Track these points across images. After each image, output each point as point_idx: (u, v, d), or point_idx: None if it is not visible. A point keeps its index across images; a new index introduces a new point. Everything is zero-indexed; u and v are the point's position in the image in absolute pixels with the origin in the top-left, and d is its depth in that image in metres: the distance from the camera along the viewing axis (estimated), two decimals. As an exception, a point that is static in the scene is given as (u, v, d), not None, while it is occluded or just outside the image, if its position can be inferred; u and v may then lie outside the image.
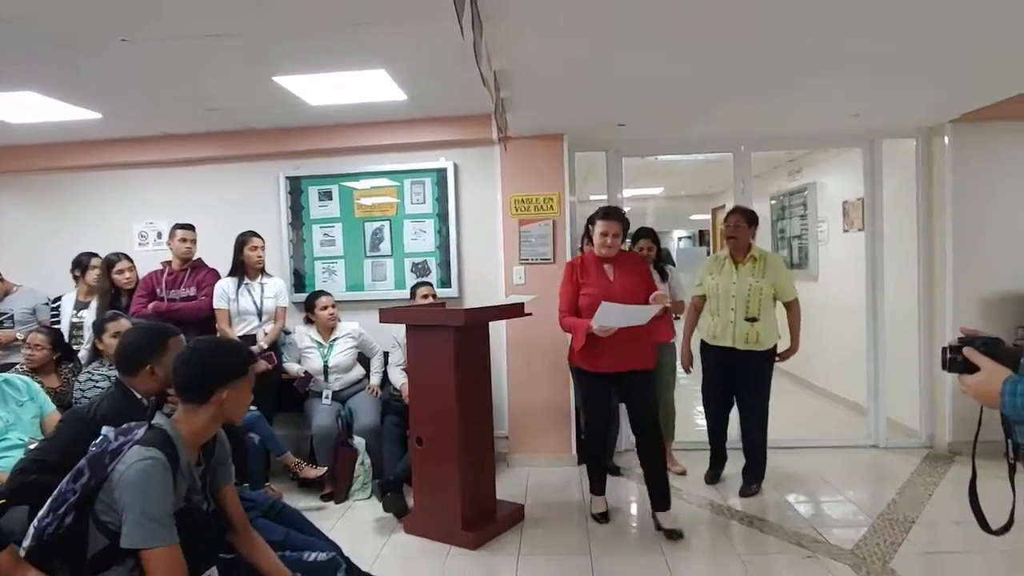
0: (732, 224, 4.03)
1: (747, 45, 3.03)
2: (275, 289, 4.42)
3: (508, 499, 3.90)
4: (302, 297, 4.67)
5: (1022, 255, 4.21)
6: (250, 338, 4.27)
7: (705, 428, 4.35)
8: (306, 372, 4.34)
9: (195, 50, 2.98)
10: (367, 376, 4.57)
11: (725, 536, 3.53)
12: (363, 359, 4.61)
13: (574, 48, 3.00)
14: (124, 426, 1.79)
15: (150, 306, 4.24)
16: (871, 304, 5.01)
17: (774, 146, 5.48)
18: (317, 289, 4.69)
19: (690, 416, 5.31)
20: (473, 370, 3.62)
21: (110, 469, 1.66)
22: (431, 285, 4.53)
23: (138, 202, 5.05)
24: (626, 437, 5.01)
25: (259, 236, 4.41)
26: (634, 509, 4.01)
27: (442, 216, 4.81)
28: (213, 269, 4.49)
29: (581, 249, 3.54)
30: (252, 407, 3.82)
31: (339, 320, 4.51)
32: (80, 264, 4.52)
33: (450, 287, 4.78)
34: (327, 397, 4.34)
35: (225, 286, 4.33)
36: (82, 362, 3.74)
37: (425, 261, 4.86)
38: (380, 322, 3.74)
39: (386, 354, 4.57)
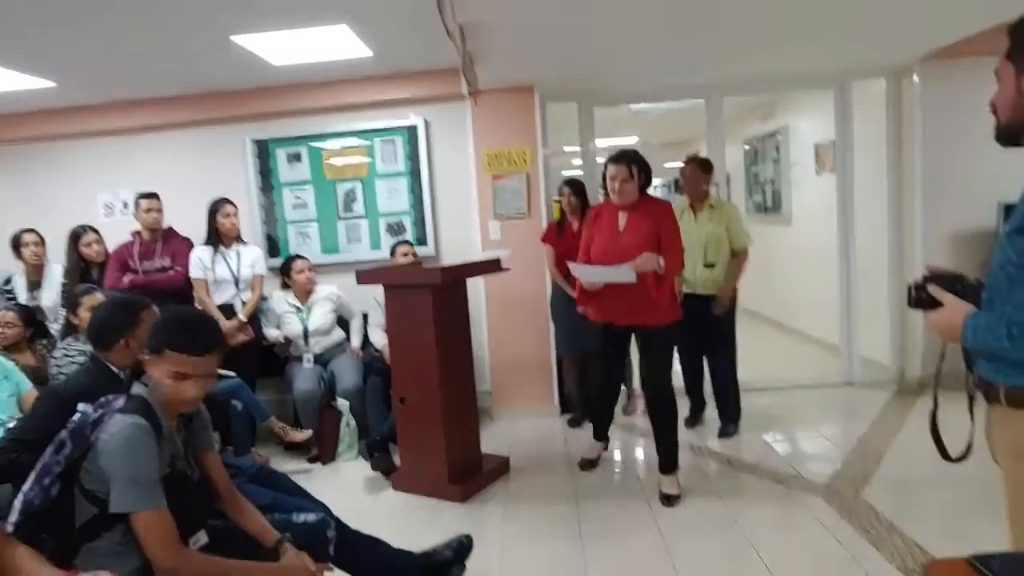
0: (688, 172, 4.13)
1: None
2: (252, 257, 4.37)
3: (493, 452, 3.97)
4: (277, 262, 4.63)
5: (988, 192, 4.26)
6: (228, 307, 4.24)
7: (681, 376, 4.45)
8: (286, 337, 4.33)
9: (148, 11, 2.88)
10: (347, 338, 4.57)
11: (704, 477, 3.64)
12: (342, 322, 4.60)
13: (540, -3, 2.93)
14: (102, 399, 1.79)
15: (126, 279, 4.18)
16: (843, 245, 5.08)
17: (746, 90, 5.45)
18: (292, 253, 4.65)
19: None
20: (453, 327, 3.64)
21: (93, 439, 1.68)
22: (410, 243, 4.52)
23: (101, 172, 4.92)
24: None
25: (231, 203, 4.33)
26: (617, 455, 4.11)
27: (415, 174, 4.75)
28: (186, 238, 4.42)
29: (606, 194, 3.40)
30: (232, 374, 3.86)
31: (316, 283, 4.49)
32: (14, 242, 4.28)
33: (426, 245, 4.76)
34: (308, 360, 4.35)
35: (201, 255, 4.27)
36: (56, 337, 3.69)
37: (400, 220, 4.82)
38: (358, 283, 3.73)
39: (365, 315, 4.57)
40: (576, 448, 4.12)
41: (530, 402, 4.68)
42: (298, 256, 4.51)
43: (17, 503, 1.67)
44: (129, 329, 2.21)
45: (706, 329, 4.11)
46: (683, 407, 4.42)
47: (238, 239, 4.38)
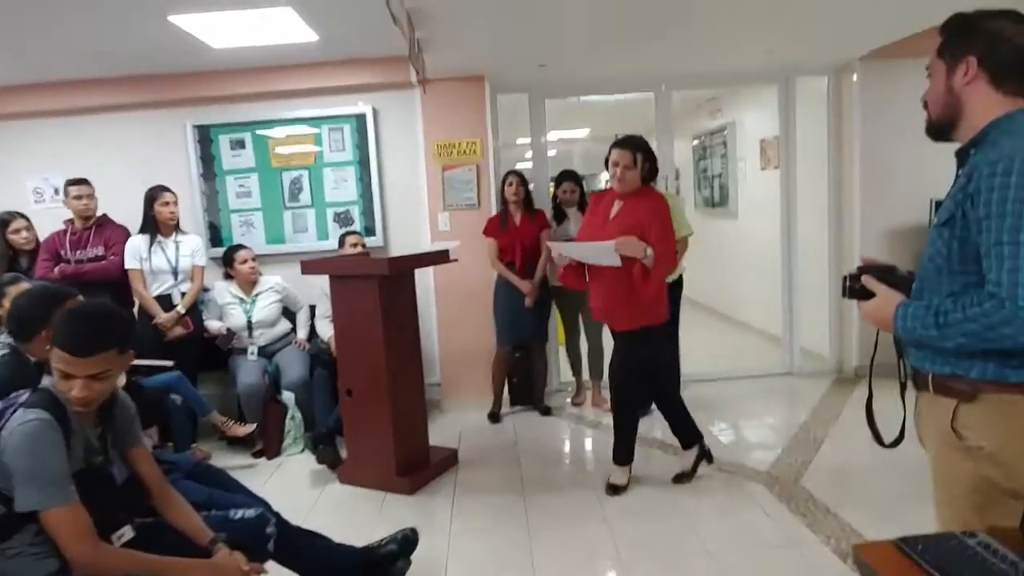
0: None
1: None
2: (191, 247, 4.22)
3: (442, 444, 3.94)
4: (219, 252, 4.49)
5: (921, 189, 4.42)
6: (166, 299, 4.10)
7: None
8: (228, 329, 4.21)
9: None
10: (293, 330, 4.47)
11: (650, 465, 3.69)
12: (288, 314, 4.50)
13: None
14: (12, 394, 1.71)
15: (56, 269, 4.00)
16: (785, 239, 5.22)
17: (694, 84, 5.55)
18: (235, 243, 4.51)
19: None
20: (400, 318, 3.59)
21: None
22: (359, 234, 4.44)
23: (30, 156, 4.67)
24: (556, 378, 5.15)
25: (170, 191, 4.17)
26: (567, 447, 4.13)
27: (363, 163, 4.67)
28: (121, 226, 4.24)
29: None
30: (169, 363, 3.73)
31: (260, 274, 4.37)
32: None
33: (375, 235, 4.68)
34: (252, 353, 4.23)
35: (136, 244, 4.10)
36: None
37: (348, 210, 4.73)
38: (302, 273, 3.65)
39: (312, 307, 4.48)
40: (526, 441, 4.13)
41: (480, 394, 4.66)
42: (240, 246, 4.39)
43: None
44: (50, 320, 2.09)
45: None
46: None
47: (177, 228, 4.22)
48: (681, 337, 4.32)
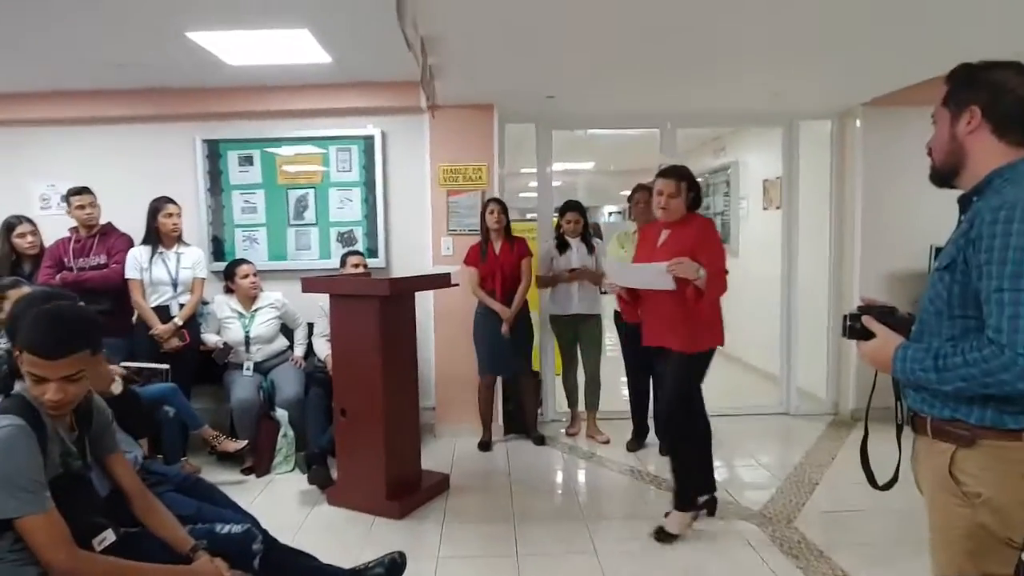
0: (642, 200, 4.17)
1: (675, 22, 3.08)
2: (192, 259, 4.23)
3: (434, 469, 3.91)
4: (222, 266, 4.50)
5: (921, 235, 4.46)
6: (164, 310, 4.09)
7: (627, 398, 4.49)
8: (225, 343, 4.20)
9: (99, -1, 2.79)
10: (290, 347, 4.46)
11: (643, 500, 3.66)
12: (286, 330, 4.49)
13: (503, 15, 2.96)
14: None
15: (57, 276, 4.01)
16: (785, 280, 5.24)
17: (699, 123, 5.63)
18: (238, 257, 4.52)
19: (615, 386, 5.43)
20: (398, 341, 3.59)
21: None
22: (362, 255, 4.45)
23: (40, 162, 4.70)
24: (551, 407, 5.12)
25: (174, 202, 4.19)
26: (559, 478, 4.10)
27: (369, 185, 4.70)
28: (125, 235, 4.25)
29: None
30: (165, 366, 3.71)
31: (261, 289, 4.38)
32: None
33: (377, 257, 4.69)
34: (248, 369, 4.22)
35: (138, 255, 4.11)
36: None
37: (351, 230, 4.75)
38: (303, 291, 3.65)
39: (311, 325, 4.48)
40: (519, 470, 4.10)
41: (474, 421, 4.63)
42: (243, 260, 4.40)
43: None
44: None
45: (651, 352, 4.15)
46: (627, 430, 4.50)
47: (179, 240, 4.24)
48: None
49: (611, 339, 4.80)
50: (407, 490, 3.57)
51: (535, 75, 4.03)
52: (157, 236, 4.14)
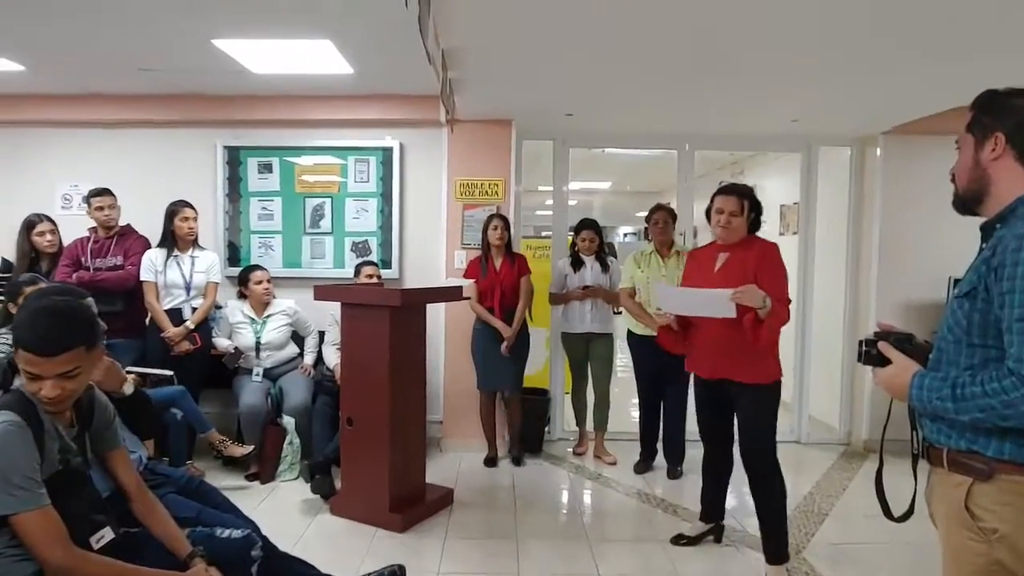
0: (661, 221, 4.20)
1: (699, 46, 3.08)
2: (207, 263, 4.26)
3: (439, 483, 3.88)
4: (236, 271, 4.52)
5: (941, 266, 4.40)
6: (176, 312, 4.12)
7: (638, 419, 4.45)
8: (236, 348, 4.21)
9: (131, 4, 2.83)
10: (300, 355, 4.46)
11: (649, 524, 3.60)
12: (297, 338, 4.50)
13: (524, 31, 2.98)
14: None
15: (74, 276, 4.04)
16: (800, 306, 5.17)
17: (717, 146, 5.61)
18: (252, 263, 4.55)
19: (625, 407, 5.39)
20: (408, 352, 3.58)
21: None
22: (376, 265, 4.46)
23: (63, 163, 4.77)
24: (559, 426, 5.08)
25: (191, 207, 4.23)
26: (564, 497, 4.05)
27: (386, 196, 4.73)
28: (142, 237, 4.29)
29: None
30: (169, 372, 3.73)
31: (274, 296, 4.39)
32: None
33: (391, 268, 4.70)
34: (257, 375, 4.22)
35: (153, 257, 4.15)
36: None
37: (366, 241, 4.77)
38: (315, 299, 3.66)
39: (321, 333, 4.48)
40: (524, 487, 4.06)
41: (481, 436, 4.60)
42: (257, 266, 4.42)
43: None
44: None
45: (662, 372, 4.12)
46: (635, 451, 4.45)
47: (195, 244, 4.27)
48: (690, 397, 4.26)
49: (623, 359, 4.77)
50: (410, 503, 3.54)
51: (554, 92, 4.05)
52: (173, 239, 4.18)
